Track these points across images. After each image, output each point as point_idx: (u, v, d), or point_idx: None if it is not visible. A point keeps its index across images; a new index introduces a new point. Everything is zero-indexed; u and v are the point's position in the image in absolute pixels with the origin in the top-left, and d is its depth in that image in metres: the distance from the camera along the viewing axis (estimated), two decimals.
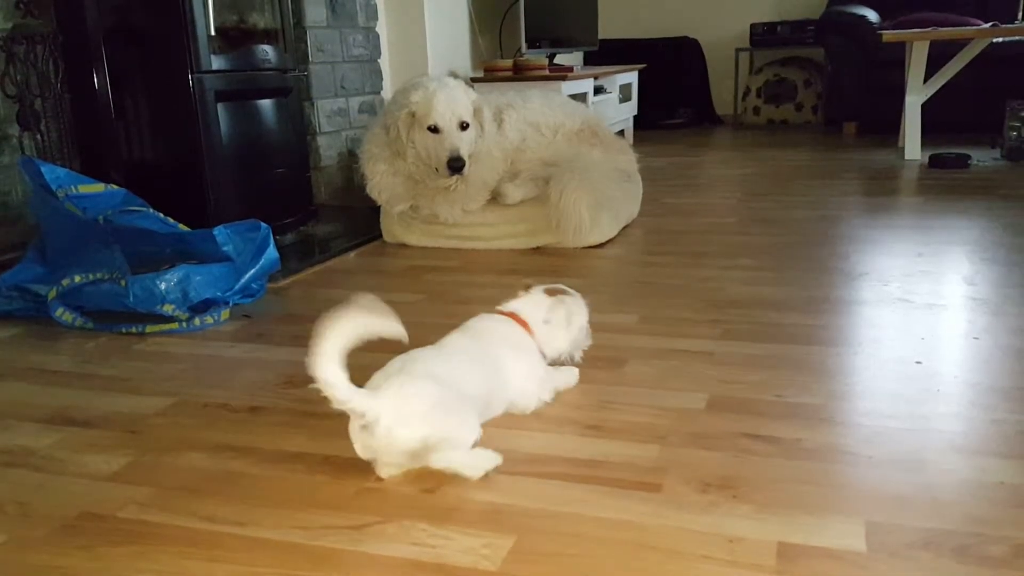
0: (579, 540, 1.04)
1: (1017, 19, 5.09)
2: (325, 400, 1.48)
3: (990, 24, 4.02)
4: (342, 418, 1.42)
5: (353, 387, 1.14)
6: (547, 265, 2.45)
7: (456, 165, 2.47)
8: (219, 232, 2.04)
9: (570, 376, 1.51)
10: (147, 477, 1.25)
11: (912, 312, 1.86)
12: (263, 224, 2.14)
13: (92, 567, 1.03)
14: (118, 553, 1.06)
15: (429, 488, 1.18)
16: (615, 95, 4.90)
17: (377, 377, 1.23)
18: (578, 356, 1.53)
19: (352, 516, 1.12)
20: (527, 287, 1.49)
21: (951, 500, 1.10)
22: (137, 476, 1.25)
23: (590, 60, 5.81)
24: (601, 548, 1.02)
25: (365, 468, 1.24)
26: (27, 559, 1.06)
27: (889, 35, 4.00)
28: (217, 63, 2.42)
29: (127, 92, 2.42)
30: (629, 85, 5.28)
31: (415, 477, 1.21)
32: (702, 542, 1.03)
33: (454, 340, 1.39)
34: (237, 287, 2.07)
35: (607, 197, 2.62)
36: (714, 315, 1.89)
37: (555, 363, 1.50)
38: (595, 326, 1.84)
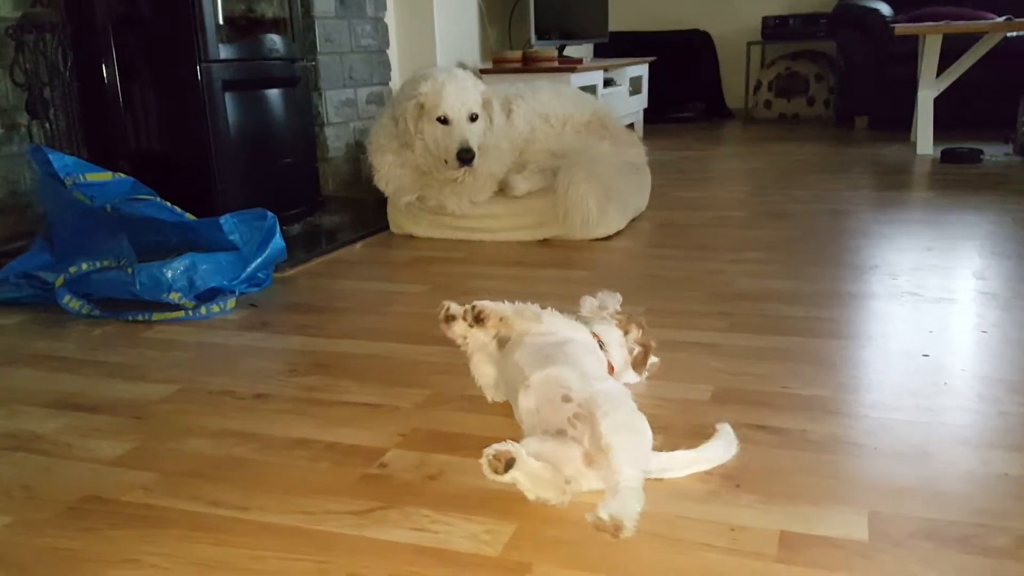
0: (580, 527, 1.04)
1: None
2: (328, 388, 1.49)
3: (1004, 18, 3.98)
4: (345, 406, 1.43)
5: None
6: (554, 257, 2.44)
7: (466, 157, 2.46)
8: (226, 221, 2.04)
9: None
10: (152, 462, 1.25)
11: (921, 306, 1.85)
12: (269, 213, 2.14)
13: (97, 550, 1.04)
14: (123, 536, 1.06)
15: (431, 475, 1.18)
16: (625, 88, 4.88)
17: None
18: None
19: (355, 502, 1.12)
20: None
21: (955, 491, 1.10)
22: (142, 461, 1.26)
23: (600, 52, 5.78)
24: (602, 535, 1.02)
25: (368, 455, 1.24)
26: (32, 541, 1.06)
27: (902, 29, 3.97)
28: (225, 52, 2.42)
29: (135, 81, 2.42)
30: (639, 78, 5.25)
31: (418, 464, 1.21)
32: (704, 530, 1.02)
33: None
34: (243, 276, 2.08)
35: (615, 189, 2.61)
36: (721, 308, 1.88)
37: None
38: None
